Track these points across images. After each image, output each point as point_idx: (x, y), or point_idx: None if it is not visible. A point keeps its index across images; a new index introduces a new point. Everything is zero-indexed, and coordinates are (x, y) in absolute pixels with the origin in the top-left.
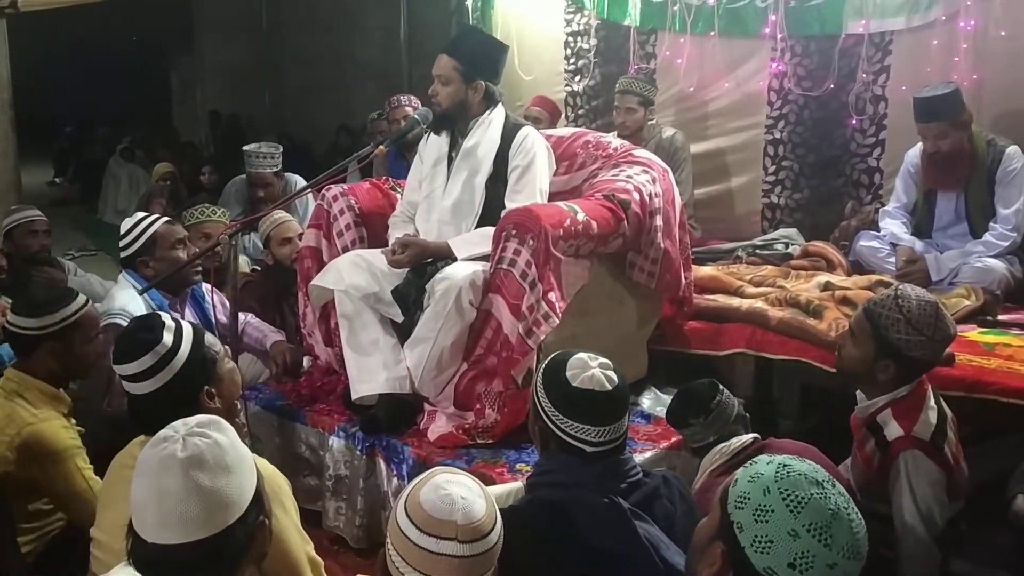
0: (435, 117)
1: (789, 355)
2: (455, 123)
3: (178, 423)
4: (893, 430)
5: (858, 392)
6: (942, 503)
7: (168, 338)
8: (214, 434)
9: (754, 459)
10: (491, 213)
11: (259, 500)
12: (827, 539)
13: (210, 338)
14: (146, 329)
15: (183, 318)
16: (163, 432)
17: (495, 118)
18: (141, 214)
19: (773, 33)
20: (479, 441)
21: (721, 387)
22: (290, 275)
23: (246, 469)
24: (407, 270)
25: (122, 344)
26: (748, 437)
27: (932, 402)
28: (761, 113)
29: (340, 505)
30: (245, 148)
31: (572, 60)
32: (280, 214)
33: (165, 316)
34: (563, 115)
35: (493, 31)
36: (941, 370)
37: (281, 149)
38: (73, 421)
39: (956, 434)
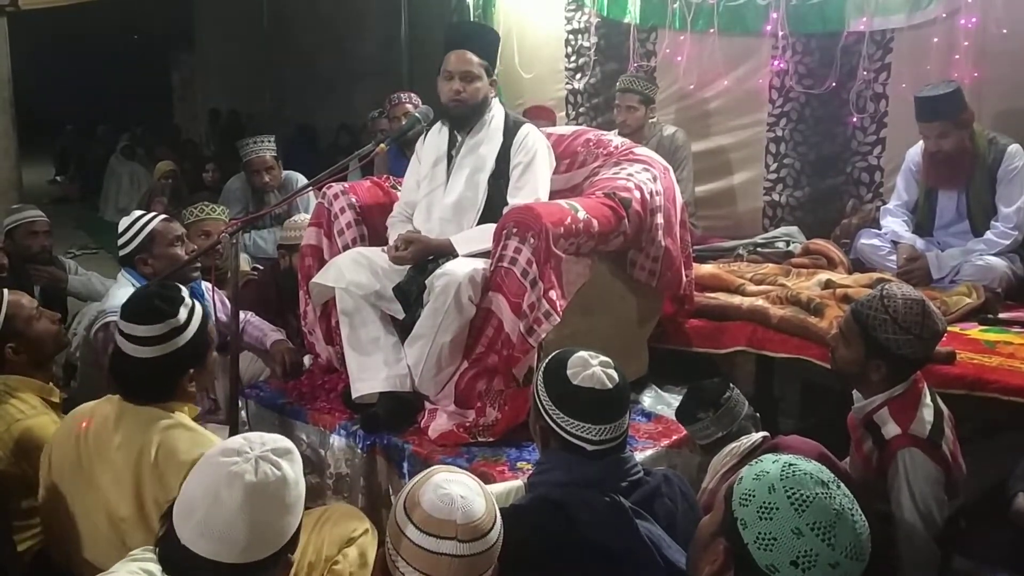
0: (458, 114)
1: (790, 353)
2: (469, 121)
3: (255, 439)
4: (890, 429)
5: (854, 392)
6: (941, 501)
7: (183, 315)
8: (285, 466)
9: (760, 457)
10: (493, 210)
11: (295, 539)
12: (831, 538)
13: (210, 324)
14: (166, 300)
15: None
16: (238, 442)
17: (496, 114)
18: (139, 212)
19: (774, 31)
20: (480, 439)
21: (732, 385)
22: (296, 282)
23: (299, 508)
24: (409, 267)
25: (139, 304)
26: (758, 437)
27: (928, 400)
28: (762, 111)
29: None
30: (239, 141)
31: (572, 58)
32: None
33: (184, 291)
34: (564, 113)
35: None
36: (942, 368)
37: (273, 137)
38: None
39: (954, 431)
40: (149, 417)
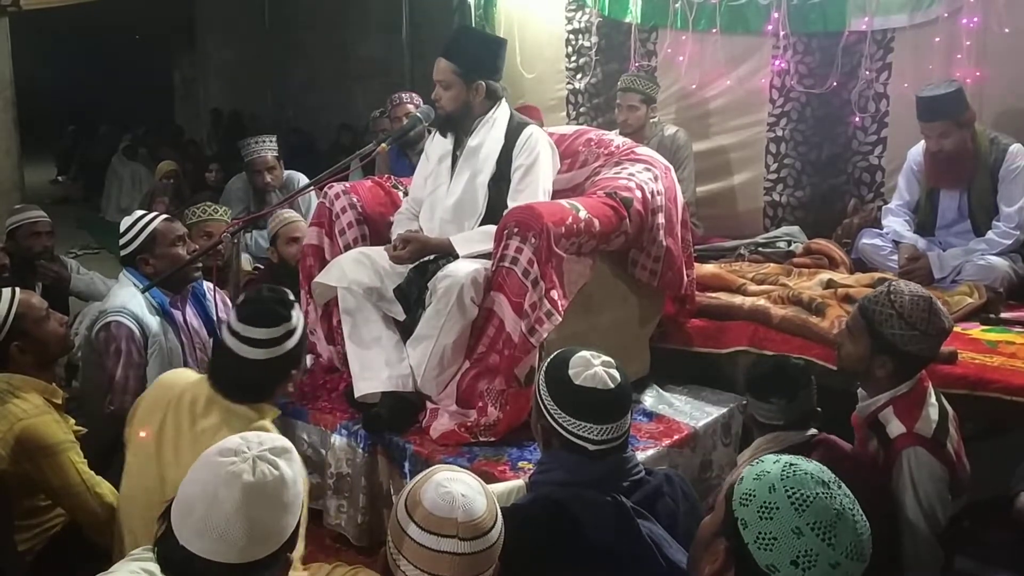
0: (439, 120)
1: (792, 353)
2: (460, 125)
3: (252, 439)
4: (895, 427)
5: (859, 390)
6: (944, 500)
7: (295, 317)
8: (283, 465)
9: (760, 458)
10: (494, 213)
11: (294, 538)
12: (831, 538)
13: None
14: (282, 303)
15: (184, 316)
16: (235, 442)
17: (499, 116)
18: (140, 212)
19: (775, 30)
20: (481, 439)
21: (812, 379)
22: (294, 274)
23: (297, 508)
24: (409, 268)
25: (256, 307)
26: (807, 434)
27: (933, 399)
28: (763, 111)
29: (342, 503)
30: (241, 141)
31: (573, 58)
32: (289, 213)
33: (291, 293)
34: (564, 112)
35: (495, 29)
36: (944, 368)
37: (275, 137)
38: (72, 420)
39: (958, 431)
40: (244, 416)
